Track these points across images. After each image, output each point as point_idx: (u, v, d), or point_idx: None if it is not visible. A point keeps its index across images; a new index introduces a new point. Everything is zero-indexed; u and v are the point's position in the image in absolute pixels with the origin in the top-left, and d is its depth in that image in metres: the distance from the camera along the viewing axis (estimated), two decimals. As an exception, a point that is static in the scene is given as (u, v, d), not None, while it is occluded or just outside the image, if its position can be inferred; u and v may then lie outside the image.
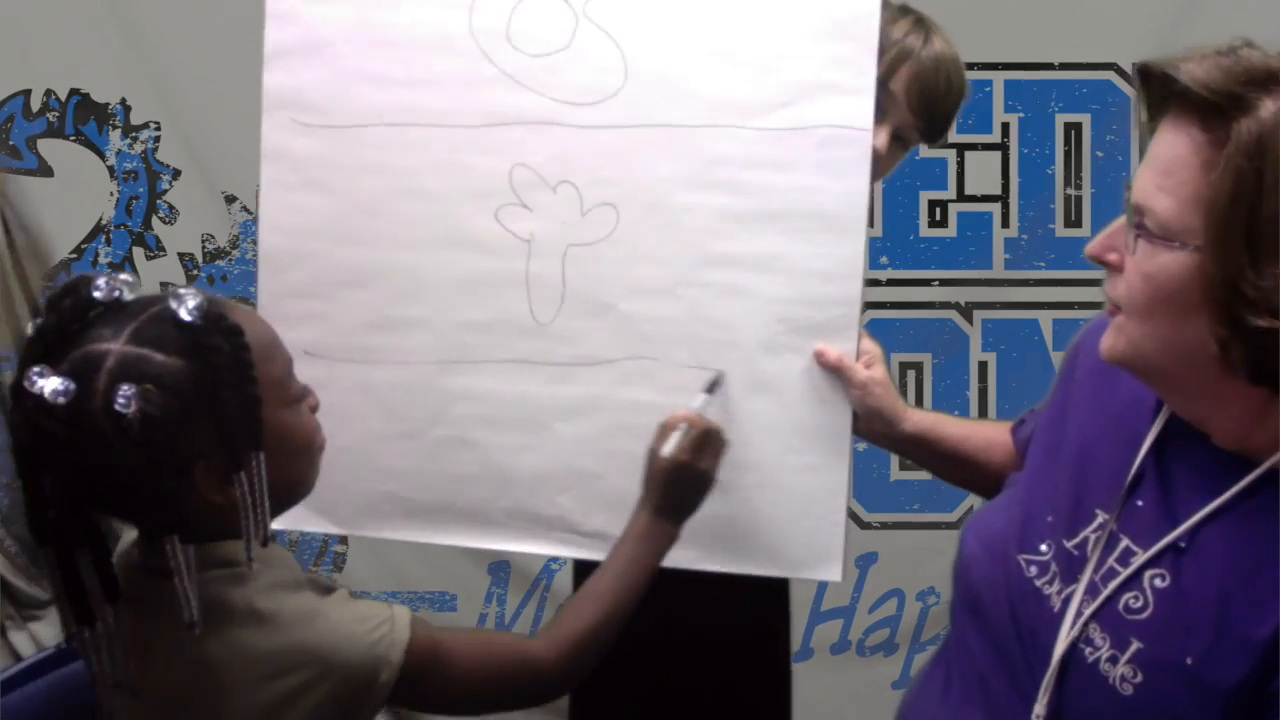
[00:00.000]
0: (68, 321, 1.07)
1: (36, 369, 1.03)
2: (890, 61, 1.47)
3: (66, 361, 1.04)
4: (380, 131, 1.43)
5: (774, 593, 1.62)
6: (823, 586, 2.43)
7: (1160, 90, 1.01)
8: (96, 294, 1.08)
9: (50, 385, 1.02)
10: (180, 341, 1.06)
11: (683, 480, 1.34)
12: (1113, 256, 1.04)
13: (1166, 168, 0.99)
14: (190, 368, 1.06)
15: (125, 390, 1.01)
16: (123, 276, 1.10)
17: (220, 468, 1.07)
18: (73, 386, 1.02)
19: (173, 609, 1.07)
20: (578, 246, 1.42)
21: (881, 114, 1.47)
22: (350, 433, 1.44)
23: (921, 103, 1.50)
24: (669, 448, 1.33)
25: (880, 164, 1.51)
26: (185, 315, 1.07)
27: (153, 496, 1.05)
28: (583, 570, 1.64)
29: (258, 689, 1.08)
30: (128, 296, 1.10)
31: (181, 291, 1.08)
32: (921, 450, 1.47)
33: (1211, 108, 0.96)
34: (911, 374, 2.52)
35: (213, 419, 1.06)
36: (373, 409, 1.47)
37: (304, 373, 1.32)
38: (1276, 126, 0.93)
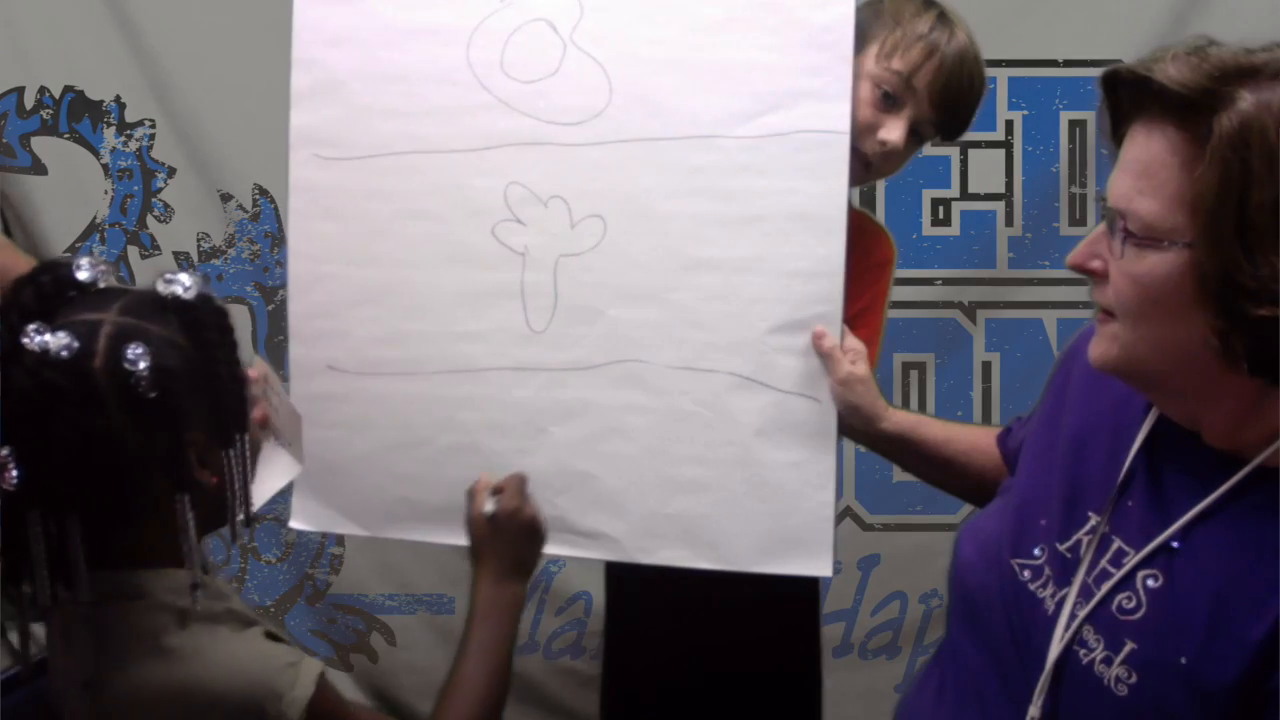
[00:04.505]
0: (48, 296, 1.06)
1: (33, 326, 1.02)
2: (915, 56, 1.51)
3: (59, 326, 1.03)
4: (388, 160, 1.53)
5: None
6: (825, 588, 2.44)
7: (1131, 95, 1.04)
8: (80, 274, 1.08)
9: (53, 340, 1.01)
10: (173, 317, 1.08)
11: (517, 532, 1.34)
12: (1096, 264, 1.07)
13: (1144, 170, 1.02)
14: (185, 341, 1.08)
15: (135, 348, 1.03)
16: (102, 266, 1.11)
17: (205, 445, 1.09)
18: (75, 344, 1.02)
19: (102, 640, 1.09)
20: (568, 257, 1.50)
21: (900, 107, 1.51)
22: (369, 442, 1.56)
23: (943, 97, 1.53)
24: (490, 505, 1.33)
25: (894, 158, 1.56)
26: (179, 292, 1.09)
27: (137, 464, 1.05)
28: (614, 574, 1.73)
29: None
30: (103, 284, 1.10)
31: (169, 275, 1.10)
32: (902, 450, 1.51)
33: (1188, 105, 0.98)
34: (914, 374, 2.52)
35: (206, 394, 1.08)
36: (387, 419, 1.56)
37: (326, 387, 1.50)
38: (1258, 117, 0.95)
